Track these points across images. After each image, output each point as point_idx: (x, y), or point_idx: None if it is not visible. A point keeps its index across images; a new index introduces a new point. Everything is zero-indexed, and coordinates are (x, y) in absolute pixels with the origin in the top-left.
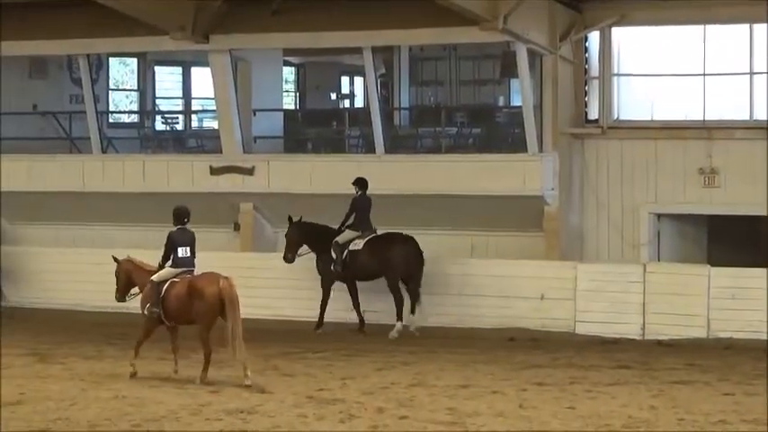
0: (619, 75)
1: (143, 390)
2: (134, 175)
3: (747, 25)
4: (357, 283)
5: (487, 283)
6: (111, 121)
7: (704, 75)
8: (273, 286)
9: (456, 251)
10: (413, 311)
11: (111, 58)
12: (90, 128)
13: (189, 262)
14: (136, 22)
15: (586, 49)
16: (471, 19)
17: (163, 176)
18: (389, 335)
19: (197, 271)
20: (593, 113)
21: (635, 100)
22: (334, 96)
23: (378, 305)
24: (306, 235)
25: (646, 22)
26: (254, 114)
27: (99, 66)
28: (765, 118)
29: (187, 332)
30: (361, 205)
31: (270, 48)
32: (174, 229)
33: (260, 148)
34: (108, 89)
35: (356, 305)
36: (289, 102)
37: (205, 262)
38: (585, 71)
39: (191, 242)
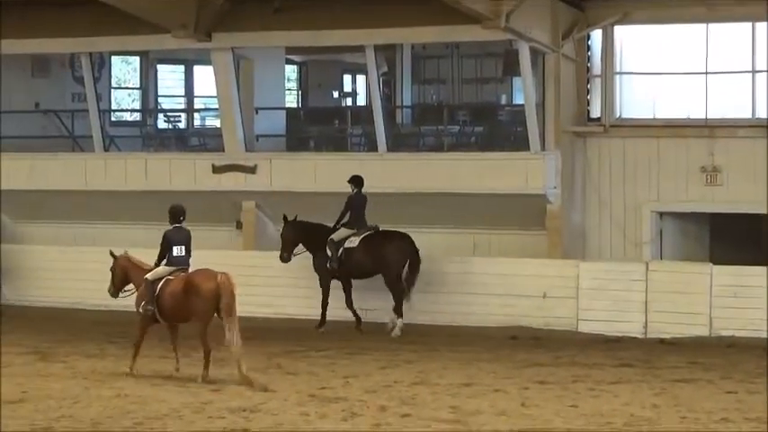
0: (621, 73)
1: (145, 388)
2: (136, 173)
3: (749, 24)
4: (353, 281)
5: (490, 282)
6: (113, 119)
7: (706, 73)
8: (275, 284)
9: (458, 249)
10: (397, 311)
11: (113, 57)
12: (92, 126)
13: (184, 260)
14: (138, 20)
15: (589, 48)
16: (474, 17)
17: (165, 175)
18: (392, 333)
19: (192, 269)
20: (596, 112)
21: (637, 98)
22: (336, 94)
23: (375, 303)
24: (301, 234)
25: (648, 21)
26: (257, 112)
27: (101, 64)
28: (767, 116)
29: (187, 331)
30: (356, 203)
31: (272, 46)
32: (170, 227)
33: (262, 147)
34: (110, 87)
35: (349, 303)
36: (291, 100)
37: (207, 260)
38: (588, 69)
39: (186, 241)
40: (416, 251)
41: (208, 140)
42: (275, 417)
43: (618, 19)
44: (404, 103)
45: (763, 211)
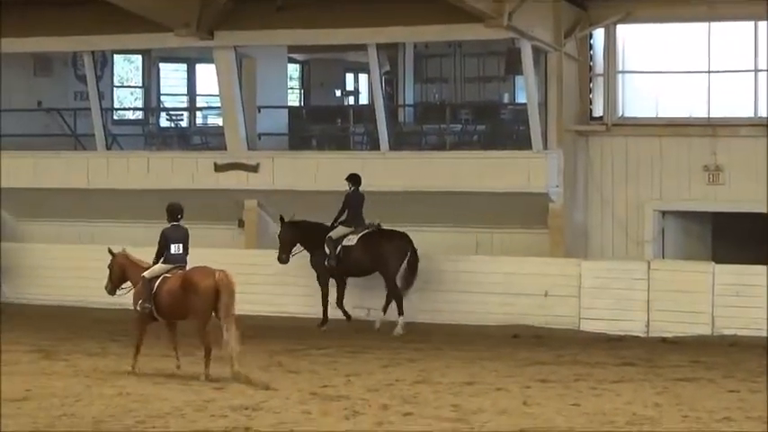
0: (623, 72)
1: (147, 386)
2: (138, 171)
3: (752, 23)
4: (349, 280)
5: (492, 281)
6: (115, 117)
7: (708, 72)
8: (277, 283)
9: (461, 248)
10: (385, 309)
11: (115, 55)
12: (94, 125)
13: (181, 258)
14: (140, 18)
15: (591, 47)
16: (476, 16)
17: (167, 173)
18: (394, 331)
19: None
20: (598, 110)
21: (639, 97)
22: (338, 93)
23: (374, 302)
24: (298, 234)
25: (650, 20)
26: (259, 111)
27: (104, 63)
28: None
29: (188, 330)
30: (353, 201)
31: (274, 44)
32: (168, 225)
33: (264, 145)
34: (112, 86)
35: (340, 302)
36: (293, 99)
37: (209, 258)
38: (590, 68)
39: (184, 239)
40: (414, 250)
41: (210, 139)
42: (277, 415)
43: (620, 18)
44: (406, 102)
45: (765, 210)
